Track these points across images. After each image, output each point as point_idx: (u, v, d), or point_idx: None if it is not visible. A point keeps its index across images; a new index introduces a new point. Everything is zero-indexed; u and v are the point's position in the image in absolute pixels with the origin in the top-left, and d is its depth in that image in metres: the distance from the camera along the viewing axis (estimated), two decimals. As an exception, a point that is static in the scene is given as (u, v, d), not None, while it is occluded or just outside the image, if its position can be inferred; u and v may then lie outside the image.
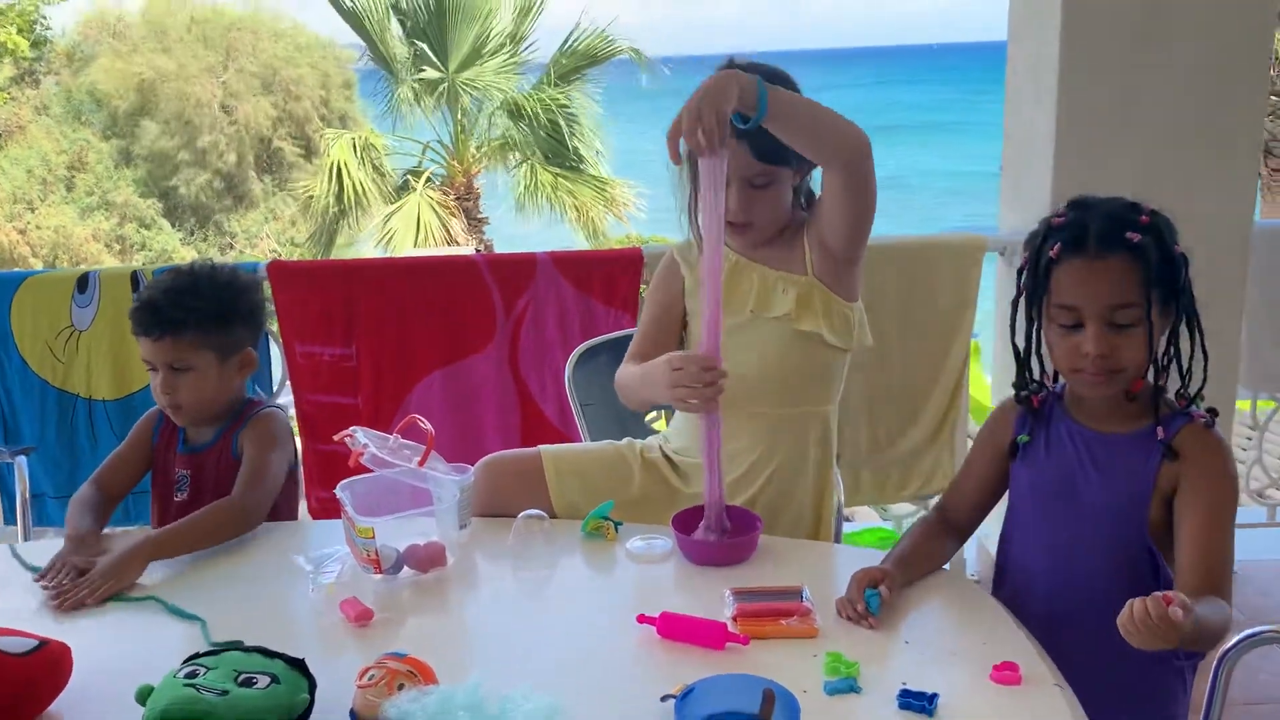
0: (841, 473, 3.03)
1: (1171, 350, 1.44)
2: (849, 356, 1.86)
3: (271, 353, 2.98)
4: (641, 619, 1.37)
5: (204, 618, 1.46)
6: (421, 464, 1.51)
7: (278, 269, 2.84)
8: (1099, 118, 2.59)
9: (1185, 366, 1.44)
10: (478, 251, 10.36)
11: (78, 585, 1.53)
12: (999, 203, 2.99)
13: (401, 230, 11.07)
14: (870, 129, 1.69)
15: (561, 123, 11.64)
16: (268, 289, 2.83)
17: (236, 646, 1.22)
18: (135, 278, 2.84)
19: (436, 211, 11.36)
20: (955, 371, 3.00)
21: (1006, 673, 1.25)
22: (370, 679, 1.15)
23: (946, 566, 1.59)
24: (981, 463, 1.61)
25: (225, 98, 19.73)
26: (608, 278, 2.86)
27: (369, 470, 1.54)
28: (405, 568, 1.53)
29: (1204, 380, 1.43)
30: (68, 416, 3.00)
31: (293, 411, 2.95)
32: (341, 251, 12.09)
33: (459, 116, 12.26)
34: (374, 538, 1.48)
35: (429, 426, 1.56)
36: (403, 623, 1.45)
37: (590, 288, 2.86)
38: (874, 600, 1.37)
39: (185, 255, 19.61)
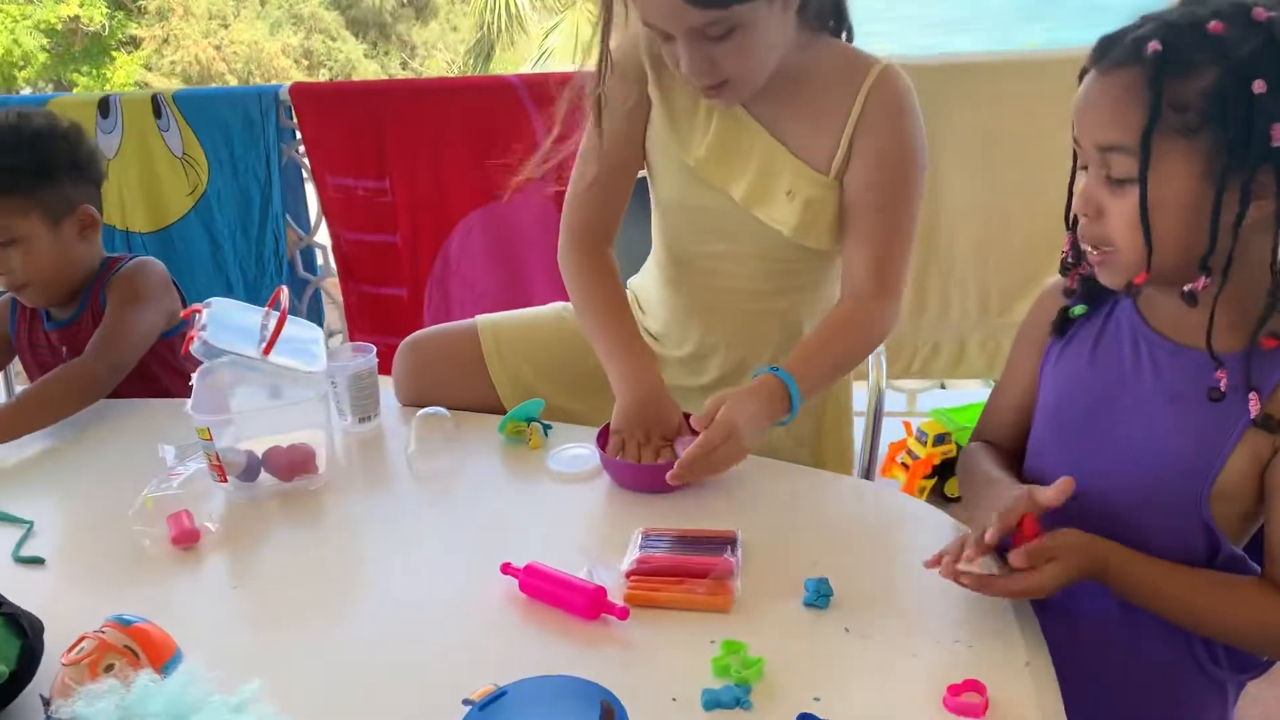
0: (944, 341, 2.60)
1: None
2: None
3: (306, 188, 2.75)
4: (506, 569, 1.05)
5: (33, 519, 1.23)
6: (268, 350, 1.20)
7: (299, 92, 2.55)
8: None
9: None
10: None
11: None
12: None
13: (560, 49, 10.60)
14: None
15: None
16: (282, 114, 2.57)
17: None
18: (155, 101, 2.61)
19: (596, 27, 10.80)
20: (1091, 223, 2.45)
21: (968, 697, 0.87)
22: (79, 652, 0.88)
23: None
24: (1023, 363, 1.17)
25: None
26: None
27: (201, 360, 1.23)
28: (264, 474, 1.25)
29: None
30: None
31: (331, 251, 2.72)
32: (499, 70, 11.76)
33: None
34: (211, 439, 1.19)
35: (285, 301, 1.24)
36: (236, 545, 1.17)
37: (647, 112, 2.45)
38: (824, 592, 1.00)
39: (368, 68, 19.80)
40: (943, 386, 2.90)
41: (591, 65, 1.32)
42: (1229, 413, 0.95)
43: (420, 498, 1.26)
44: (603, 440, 1.26)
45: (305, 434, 1.27)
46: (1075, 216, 1.02)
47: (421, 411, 1.30)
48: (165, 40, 18.75)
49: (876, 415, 2.06)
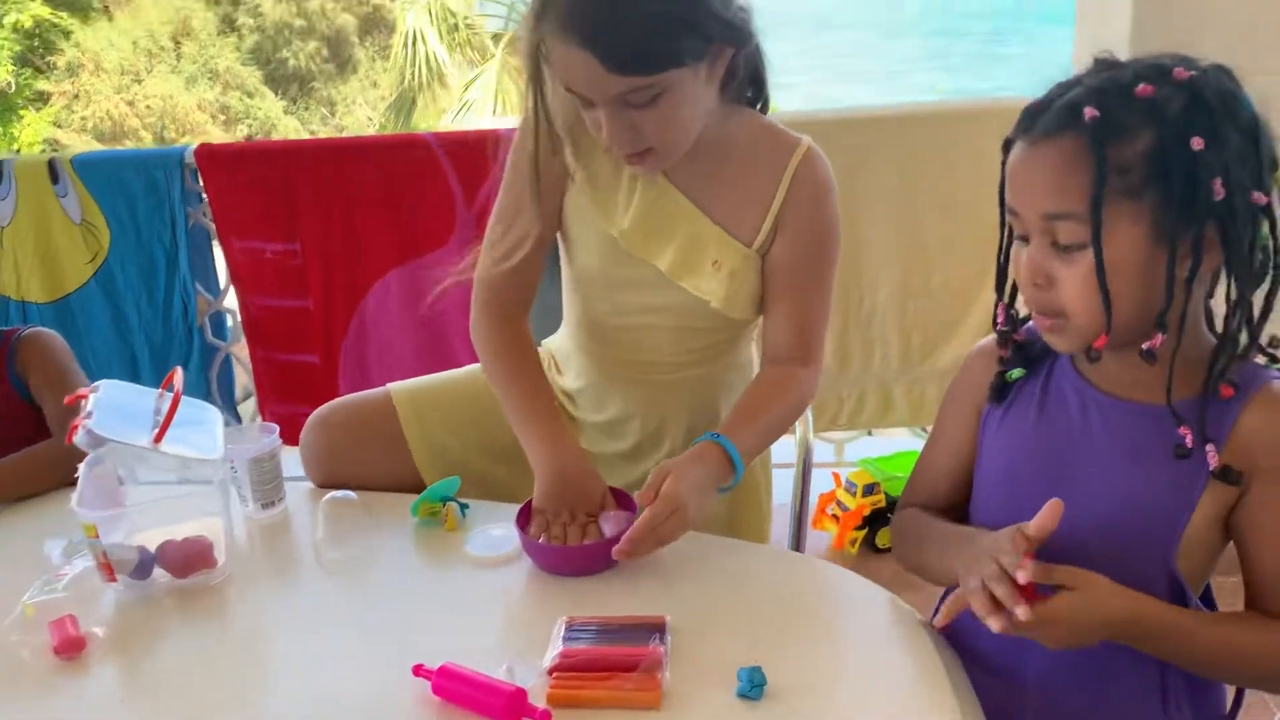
0: (869, 390, 2.59)
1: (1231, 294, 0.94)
2: None
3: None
4: (418, 671, 0.98)
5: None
6: (159, 438, 1.12)
7: (205, 154, 2.46)
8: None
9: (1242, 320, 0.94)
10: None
11: None
12: (1071, 57, 2.40)
13: (480, 101, 10.57)
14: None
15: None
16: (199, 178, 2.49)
17: None
18: (52, 166, 2.50)
19: (516, 81, 10.82)
20: (1010, 267, 2.45)
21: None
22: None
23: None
24: (955, 428, 1.14)
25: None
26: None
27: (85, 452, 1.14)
28: (158, 570, 1.16)
29: (1250, 343, 0.94)
30: (0, 321, 2.74)
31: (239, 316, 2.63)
32: (421, 124, 11.70)
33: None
34: (98, 536, 1.11)
35: (178, 383, 1.16)
36: (126, 652, 1.08)
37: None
38: (757, 682, 0.94)
39: (288, 124, 19.61)
40: (869, 434, 2.88)
41: (506, 122, 1.28)
42: (1189, 465, 0.94)
43: (329, 590, 1.18)
44: (523, 520, 1.20)
45: (203, 524, 1.19)
46: (1008, 284, 1.02)
47: (328, 496, 1.23)
48: (76, 96, 18.38)
49: (805, 468, 2.02)
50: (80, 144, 17.03)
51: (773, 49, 1.30)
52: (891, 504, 2.55)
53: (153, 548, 1.16)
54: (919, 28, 29.90)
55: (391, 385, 1.46)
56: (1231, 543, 0.99)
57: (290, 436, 1.41)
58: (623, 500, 1.24)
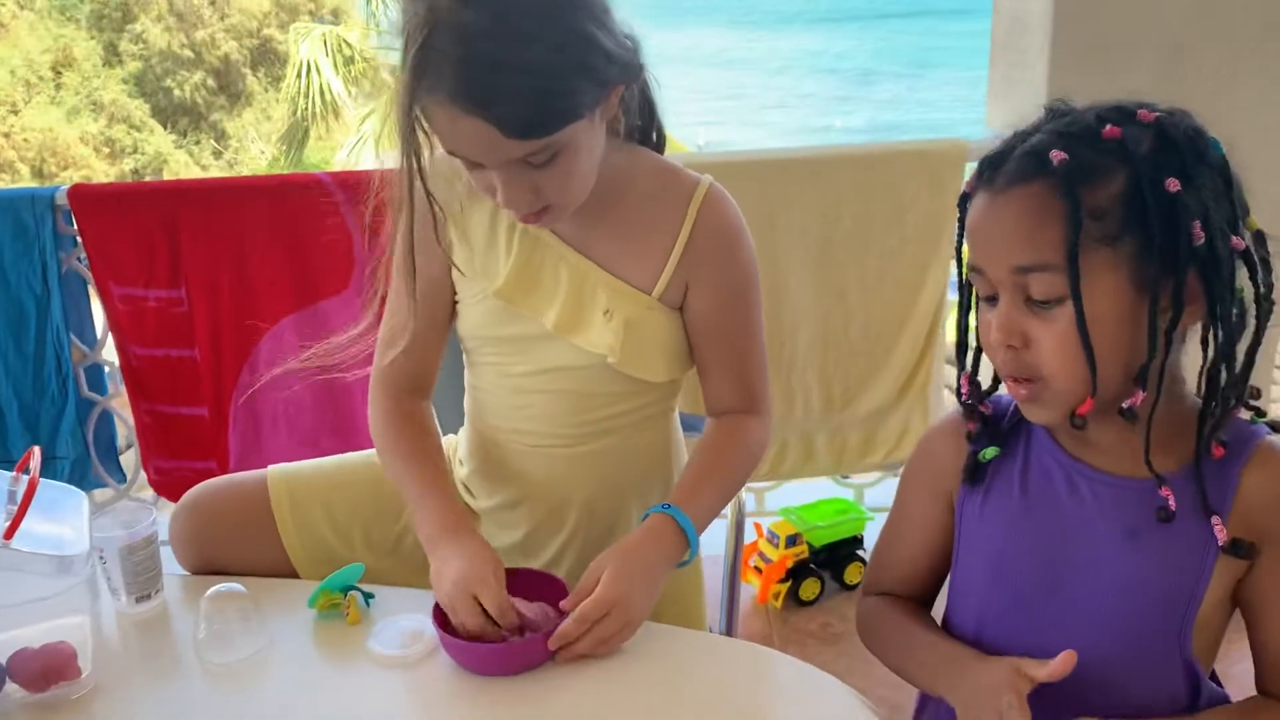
0: (790, 440, 2.51)
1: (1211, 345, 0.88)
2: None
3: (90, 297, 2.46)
4: (318, 804, 0.85)
5: None
6: (10, 534, 0.96)
7: (79, 194, 2.28)
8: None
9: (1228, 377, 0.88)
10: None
11: None
12: (986, 100, 2.38)
13: (376, 134, 10.35)
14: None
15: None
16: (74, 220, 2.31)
17: None
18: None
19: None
20: (929, 311, 2.41)
21: None
22: None
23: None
24: (923, 512, 1.06)
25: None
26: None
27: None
28: (11, 685, 1.00)
29: (1235, 399, 0.88)
30: None
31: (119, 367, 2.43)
32: (313, 157, 11.42)
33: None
34: (-65, 651, 0.95)
35: (36, 465, 1.01)
36: (-32, 790, 0.92)
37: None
38: None
39: (178, 158, 19.04)
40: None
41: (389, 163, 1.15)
42: (1195, 537, 0.88)
43: (213, 699, 1.03)
44: (439, 614, 1.07)
45: (65, 624, 1.04)
46: (969, 351, 0.94)
47: (212, 590, 1.08)
48: (-53, 127, 17.61)
49: (739, 524, 1.94)
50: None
51: (666, 89, 1.22)
52: (815, 555, 2.47)
53: (3, 658, 1.00)
54: (792, 69, 30.85)
55: (271, 468, 1.33)
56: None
57: (177, 495, 1.30)
58: (548, 583, 1.12)
